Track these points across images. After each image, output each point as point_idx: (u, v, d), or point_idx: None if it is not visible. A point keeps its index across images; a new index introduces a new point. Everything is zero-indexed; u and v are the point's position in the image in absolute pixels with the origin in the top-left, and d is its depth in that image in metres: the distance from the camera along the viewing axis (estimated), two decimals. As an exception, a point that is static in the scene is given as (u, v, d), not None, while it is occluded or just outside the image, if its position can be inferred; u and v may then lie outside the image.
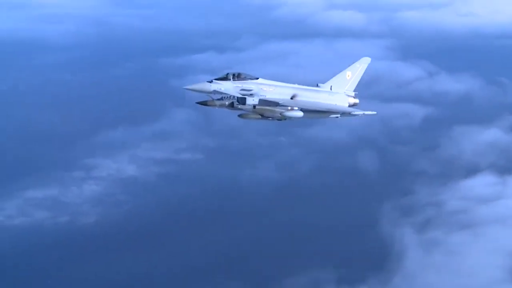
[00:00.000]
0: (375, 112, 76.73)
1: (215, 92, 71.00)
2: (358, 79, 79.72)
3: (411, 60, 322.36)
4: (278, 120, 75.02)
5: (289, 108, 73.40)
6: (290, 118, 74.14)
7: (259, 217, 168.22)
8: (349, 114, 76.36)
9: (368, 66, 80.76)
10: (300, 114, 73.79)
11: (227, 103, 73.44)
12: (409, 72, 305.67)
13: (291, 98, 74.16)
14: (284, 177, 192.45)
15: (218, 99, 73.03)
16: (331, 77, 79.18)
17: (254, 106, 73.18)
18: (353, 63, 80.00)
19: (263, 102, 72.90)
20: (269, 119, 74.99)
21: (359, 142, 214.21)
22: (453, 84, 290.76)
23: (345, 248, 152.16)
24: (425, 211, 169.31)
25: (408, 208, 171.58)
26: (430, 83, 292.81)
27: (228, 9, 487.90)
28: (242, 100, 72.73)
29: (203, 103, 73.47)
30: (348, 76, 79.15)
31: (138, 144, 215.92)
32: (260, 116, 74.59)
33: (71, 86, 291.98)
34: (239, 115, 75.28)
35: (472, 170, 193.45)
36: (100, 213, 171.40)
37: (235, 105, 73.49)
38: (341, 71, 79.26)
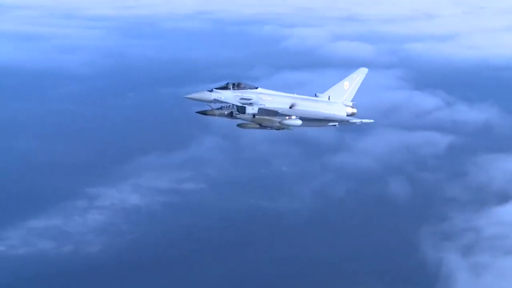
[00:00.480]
0: (372, 120, 77.53)
1: (215, 100, 72.10)
2: (356, 89, 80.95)
3: (426, 90, 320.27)
4: (276, 129, 76.29)
5: (287, 117, 74.46)
6: (288, 127, 75.45)
7: (288, 246, 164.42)
8: (347, 122, 77.44)
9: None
10: (299, 122, 74.92)
11: (226, 112, 74.62)
12: (427, 101, 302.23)
13: (290, 107, 75.35)
14: (315, 205, 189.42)
15: (218, 109, 74.48)
16: (329, 88, 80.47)
17: (254, 115, 74.35)
18: (351, 73, 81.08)
19: (262, 111, 74.10)
20: (268, 129, 76.15)
21: (386, 169, 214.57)
22: (472, 113, 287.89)
23: (391, 272, 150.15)
24: (465, 236, 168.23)
25: (447, 233, 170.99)
26: (449, 112, 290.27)
27: (236, 41, 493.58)
28: (241, 109, 73.95)
29: (203, 113, 75.04)
30: (346, 86, 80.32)
31: (142, 174, 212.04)
32: (258, 126, 75.83)
33: (80, 116, 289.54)
34: (238, 125, 76.80)
35: (504, 197, 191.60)
36: (104, 243, 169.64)
37: (234, 114, 74.58)
38: (339, 81, 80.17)
